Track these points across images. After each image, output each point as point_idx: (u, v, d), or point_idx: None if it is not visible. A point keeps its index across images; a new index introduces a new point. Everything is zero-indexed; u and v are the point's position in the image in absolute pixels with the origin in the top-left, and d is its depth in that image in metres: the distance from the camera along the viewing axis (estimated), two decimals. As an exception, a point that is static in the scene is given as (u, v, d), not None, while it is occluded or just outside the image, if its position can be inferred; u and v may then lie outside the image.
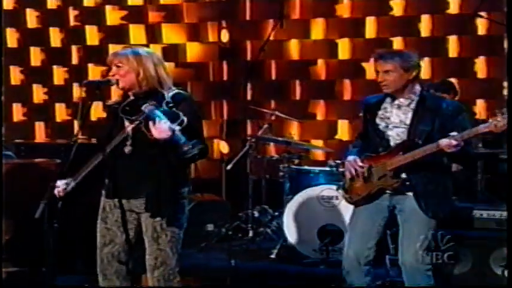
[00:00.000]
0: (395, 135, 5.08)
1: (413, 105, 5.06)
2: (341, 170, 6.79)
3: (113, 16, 10.04)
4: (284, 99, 9.53)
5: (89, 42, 10.12)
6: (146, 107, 4.45)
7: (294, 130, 9.27)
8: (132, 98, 4.65)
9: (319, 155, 9.19)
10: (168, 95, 4.55)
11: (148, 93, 4.59)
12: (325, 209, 7.12)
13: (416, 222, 5.01)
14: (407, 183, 5.03)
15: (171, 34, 9.87)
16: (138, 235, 4.70)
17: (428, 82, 7.56)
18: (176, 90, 4.63)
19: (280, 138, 8.03)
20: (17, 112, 10.35)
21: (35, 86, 10.30)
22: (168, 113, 4.44)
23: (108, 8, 10.04)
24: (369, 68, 8.71)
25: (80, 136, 4.59)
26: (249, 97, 9.20)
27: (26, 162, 6.67)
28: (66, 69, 10.20)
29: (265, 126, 8.03)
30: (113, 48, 9.59)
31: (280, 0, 9.12)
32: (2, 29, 9.89)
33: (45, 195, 4.43)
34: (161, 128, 4.33)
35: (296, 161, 7.77)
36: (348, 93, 9.40)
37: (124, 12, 10.03)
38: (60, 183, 4.57)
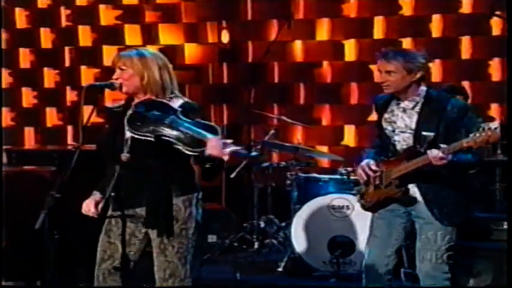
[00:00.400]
0: (402, 140, 5.03)
1: (418, 108, 4.99)
2: (352, 178, 6.99)
3: (106, 16, 10.00)
4: (287, 103, 9.47)
5: (81, 43, 10.08)
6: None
7: (298, 136, 9.21)
8: (136, 106, 4.56)
9: (324, 162, 9.12)
10: (176, 104, 4.48)
11: (155, 102, 4.51)
12: (335, 219, 7.05)
13: (432, 230, 4.96)
14: (416, 191, 4.96)
15: (168, 35, 9.82)
16: (142, 250, 4.65)
17: (439, 86, 7.44)
18: (183, 100, 4.56)
19: (288, 144, 7.98)
20: (5, 117, 10.26)
21: (24, 90, 10.27)
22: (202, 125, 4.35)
23: (101, 7, 9.99)
24: (377, 71, 8.60)
25: (79, 143, 4.52)
26: (249, 101, 9.10)
27: (20, 170, 6.63)
28: (57, 71, 10.17)
29: (272, 131, 7.96)
30: (106, 49, 9.83)
31: (286, -2, 9.21)
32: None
33: (45, 205, 4.28)
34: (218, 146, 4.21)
35: (304, 169, 7.77)
36: (354, 96, 9.33)
37: (119, 12, 9.98)
38: (90, 203, 4.57)
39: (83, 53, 10.00)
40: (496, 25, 8.78)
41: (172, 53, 9.39)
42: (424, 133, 4.89)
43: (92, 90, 4.55)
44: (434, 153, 4.70)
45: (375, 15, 9.18)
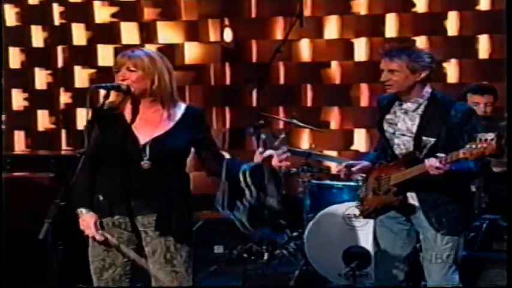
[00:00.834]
0: (401, 143, 5.02)
1: (420, 111, 4.97)
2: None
3: (102, 13, 9.86)
4: (294, 105, 9.32)
5: (75, 42, 9.94)
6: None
7: (305, 140, 9.15)
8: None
9: (333, 167, 8.82)
10: (180, 109, 4.52)
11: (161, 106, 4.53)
12: (351, 229, 6.97)
13: (433, 240, 4.96)
14: (413, 199, 4.97)
15: (167, 33, 9.70)
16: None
17: (462, 86, 7.35)
18: (185, 105, 4.59)
19: (300, 150, 7.90)
20: (-6, 120, 10.34)
21: (14, 91, 10.13)
22: None
23: (96, 3, 9.87)
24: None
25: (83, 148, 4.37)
26: (253, 103, 9.00)
27: (17, 176, 6.58)
28: (49, 72, 10.06)
29: (282, 136, 7.54)
30: (102, 48, 9.71)
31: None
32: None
33: (48, 214, 4.19)
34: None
35: (316, 175, 7.67)
36: (365, 98, 9.21)
37: (115, 9, 9.86)
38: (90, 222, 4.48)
39: (76, 52, 9.89)
40: (515, 23, 8.80)
41: (171, 52, 9.32)
42: (424, 138, 4.88)
43: (98, 91, 4.50)
44: (431, 162, 4.70)
45: (387, 12, 9.09)
